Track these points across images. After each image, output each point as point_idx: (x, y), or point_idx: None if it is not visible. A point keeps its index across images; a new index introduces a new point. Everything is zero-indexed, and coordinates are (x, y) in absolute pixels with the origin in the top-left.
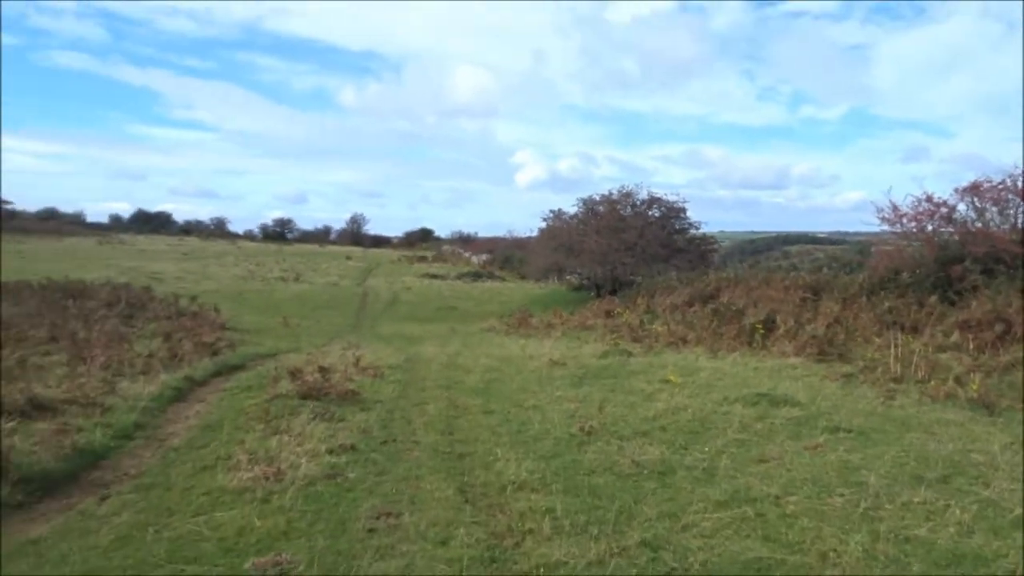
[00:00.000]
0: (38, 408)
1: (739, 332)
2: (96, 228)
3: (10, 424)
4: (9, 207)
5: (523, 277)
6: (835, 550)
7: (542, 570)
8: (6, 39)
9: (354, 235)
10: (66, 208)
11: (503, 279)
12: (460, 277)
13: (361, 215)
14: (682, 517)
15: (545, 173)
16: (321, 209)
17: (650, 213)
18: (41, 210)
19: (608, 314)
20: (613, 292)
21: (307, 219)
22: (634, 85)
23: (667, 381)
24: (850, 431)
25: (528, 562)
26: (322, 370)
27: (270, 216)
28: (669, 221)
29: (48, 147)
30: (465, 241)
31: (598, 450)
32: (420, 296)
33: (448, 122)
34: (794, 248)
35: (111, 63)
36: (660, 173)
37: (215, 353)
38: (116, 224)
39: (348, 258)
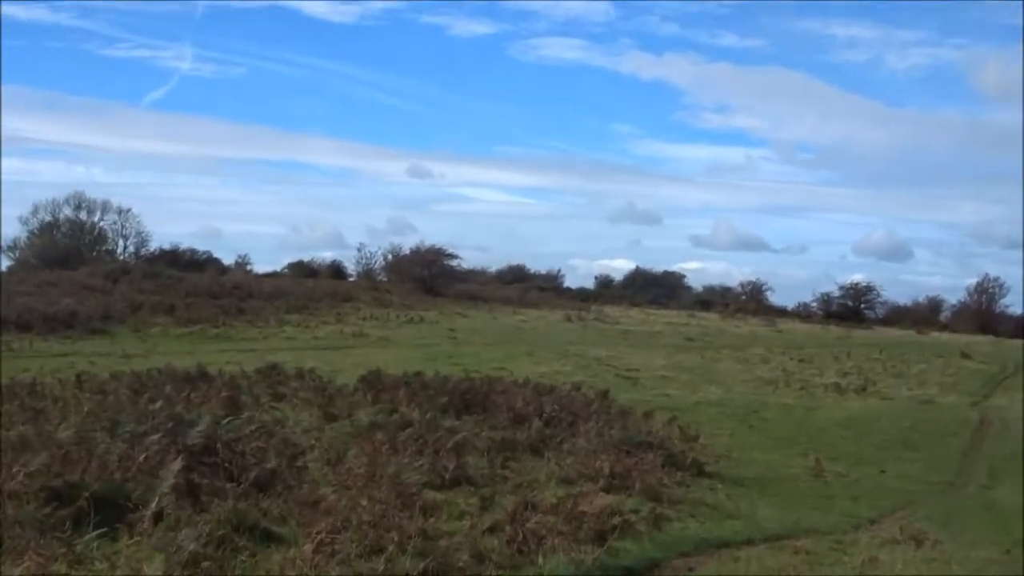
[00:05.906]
0: None
1: None
2: (576, 293)
3: None
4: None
5: None
6: None
7: None
8: None
9: (981, 313)
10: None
11: None
12: None
13: (995, 279)
14: None
15: None
16: (931, 266)
17: None
18: (503, 268)
19: None
20: None
21: (904, 284)
22: None
23: None
24: None
25: None
26: None
27: (841, 280)
28: None
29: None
30: None
31: None
32: None
33: None
34: None
35: None
36: None
37: (602, 538)
38: (603, 287)
39: (964, 355)
